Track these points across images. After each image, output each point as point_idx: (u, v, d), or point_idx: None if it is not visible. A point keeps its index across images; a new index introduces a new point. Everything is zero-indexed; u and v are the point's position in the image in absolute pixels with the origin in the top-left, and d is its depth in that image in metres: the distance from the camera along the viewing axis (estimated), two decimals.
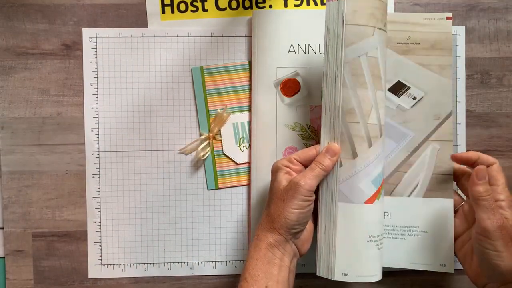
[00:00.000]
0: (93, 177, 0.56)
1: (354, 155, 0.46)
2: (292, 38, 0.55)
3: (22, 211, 0.56)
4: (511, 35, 0.57)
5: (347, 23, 0.45)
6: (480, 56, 0.57)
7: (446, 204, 0.51)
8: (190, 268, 0.57)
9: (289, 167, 0.47)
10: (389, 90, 0.53)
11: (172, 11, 0.56)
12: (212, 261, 0.57)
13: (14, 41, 0.56)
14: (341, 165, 0.46)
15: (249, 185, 0.56)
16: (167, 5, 0.56)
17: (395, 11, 0.57)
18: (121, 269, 0.57)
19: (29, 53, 0.56)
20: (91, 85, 0.56)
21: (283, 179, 0.46)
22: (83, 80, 0.56)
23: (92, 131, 0.56)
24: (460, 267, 0.51)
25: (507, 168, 0.57)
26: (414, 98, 0.52)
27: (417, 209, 0.52)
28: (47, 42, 0.56)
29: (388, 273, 0.50)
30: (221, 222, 0.57)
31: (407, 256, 0.52)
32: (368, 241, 0.46)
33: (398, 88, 0.53)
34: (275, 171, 0.48)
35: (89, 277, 0.56)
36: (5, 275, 0.56)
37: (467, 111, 0.57)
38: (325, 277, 0.47)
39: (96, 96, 0.56)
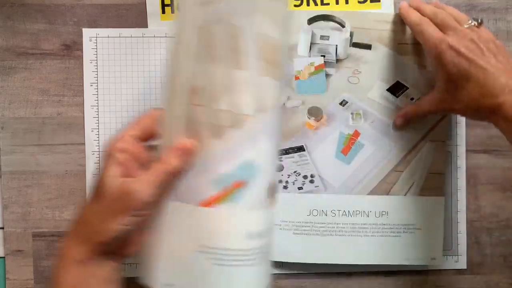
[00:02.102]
0: (93, 177, 0.58)
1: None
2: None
3: (22, 211, 0.58)
4: (511, 35, 0.59)
5: None
6: None
7: (438, 202, 0.55)
8: None
9: (124, 151, 0.39)
10: (388, 90, 0.55)
11: (172, 11, 0.58)
12: None
13: (14, 41, 0.58)
14: None
15: None
16: (167, 5, 0.58)
17: (395, 11, 0.57)
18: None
19: (29, 53, 0.58)
20: (91, 85, 0.58)
21: (114, 176, 0.38)
22: (83, 80, 0.58)
23: (92, 131, 0.59)
24: (463, 267, 0.54)
25: (507, 168, 0.59)
26: (412, 99, 0.55)
27: (413, 207, 0.55)
28: (47, 42, 0.58)
29: (388, 273, 0.52)
30: None
31: (401, 252, 0.55)
32: (199, 252, 0.39)
33: (396, 88, 0.55)
34: (106, 158, 0.39)
35: None
36: (5, 275, 0.58)
37: None
38: (147, 284, 0.41)
39: (96, 96, 0.59)
